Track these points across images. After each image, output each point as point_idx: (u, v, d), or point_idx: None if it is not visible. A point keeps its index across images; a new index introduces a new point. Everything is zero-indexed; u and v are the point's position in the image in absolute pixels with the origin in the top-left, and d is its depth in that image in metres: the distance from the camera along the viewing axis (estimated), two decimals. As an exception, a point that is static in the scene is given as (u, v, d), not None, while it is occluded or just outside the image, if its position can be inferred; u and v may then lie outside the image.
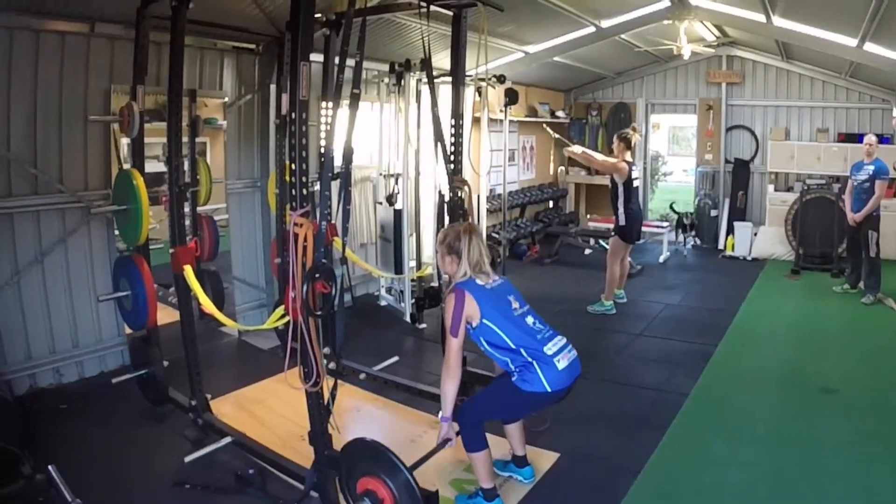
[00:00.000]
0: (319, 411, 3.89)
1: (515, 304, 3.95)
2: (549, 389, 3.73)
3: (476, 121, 9.25)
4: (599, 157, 8.45)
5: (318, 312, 3.69)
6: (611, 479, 4.39)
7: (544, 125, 10.68)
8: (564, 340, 3.96)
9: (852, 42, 8.19)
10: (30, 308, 5.70)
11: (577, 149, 8.49)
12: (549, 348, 3.81)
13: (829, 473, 4.40)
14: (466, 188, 5.19)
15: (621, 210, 8.03)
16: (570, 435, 4.99)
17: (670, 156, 23.12)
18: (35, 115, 5.52)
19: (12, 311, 5.59)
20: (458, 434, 4.00)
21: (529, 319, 3.93)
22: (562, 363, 3.79)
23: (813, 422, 5.19)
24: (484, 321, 3.81)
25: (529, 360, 3.75)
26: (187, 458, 4.48)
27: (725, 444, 4.86)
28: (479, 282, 3.90)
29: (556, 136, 10.05)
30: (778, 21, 8.42)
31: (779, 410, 5.45)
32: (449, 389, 3.87)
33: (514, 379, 3.79)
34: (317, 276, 3.60)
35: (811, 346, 7.03)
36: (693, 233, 11.91)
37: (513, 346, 3.78)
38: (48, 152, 5.63)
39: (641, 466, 4.50)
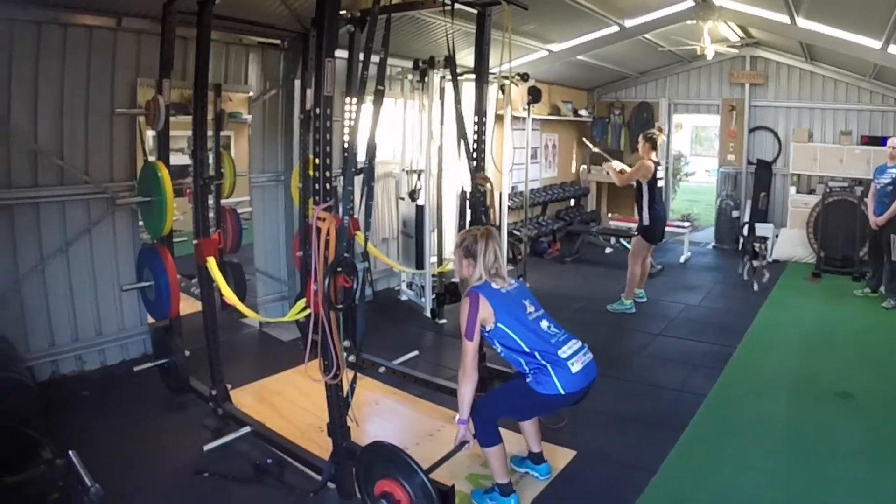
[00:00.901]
0: (338, 403, 3.93)
1: (530, 309, 3.96)
2: (562, 392, 3.75)
3: (499, 118, 9.26)
4: (630, 169, 8.40)
5: (340, 306, 3.72)
6: (626, 478, 4.40)
7: (584, 139, 10.73)
8: (580, 344, 3.97)
9: (877, 44, 8.12)
10: (54, 296, 5.79)
11: (616, 165, 8.46)
12: (564, 351, 3.82)
13: (842, 480, 4.38)
14: (488, 185, 5.20)
15: (646, 210, 8.01)
16: (587, 433, 5.00)
17: (693, 156, 23.00)
18: (62, 107, 5.61)
19: (36, 299, 5.68)
20: (474, 436, 4.02)
21: (544, 323, 3.94)
22: (576, 366, 3.80)
23: (829, 427, 5.16)
24: (498, 325, 3.83)
25: (543, 363, 3.77)
26: (206, 447, 4.54)
27: (741, 447, 4.84)
28: (494, 286, 3.92)
29: (596, 149, 10.05)
30: (802, 22, 8.36)
31: (795, 415, 5.43)
32: (465, 392, 3.89)
33: (528, 380, 3.81)
34: (339, 269, 3.63)
35: (830, 349, 6.99)
36: (765, 262, 9.86)
37: (527, 350, 3.80)
38: (74, 144, 5.72)
39: (657, 467, 4.51)
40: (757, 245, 9.75)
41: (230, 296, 4.70)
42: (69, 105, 5.64)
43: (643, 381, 6.09)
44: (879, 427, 5.15)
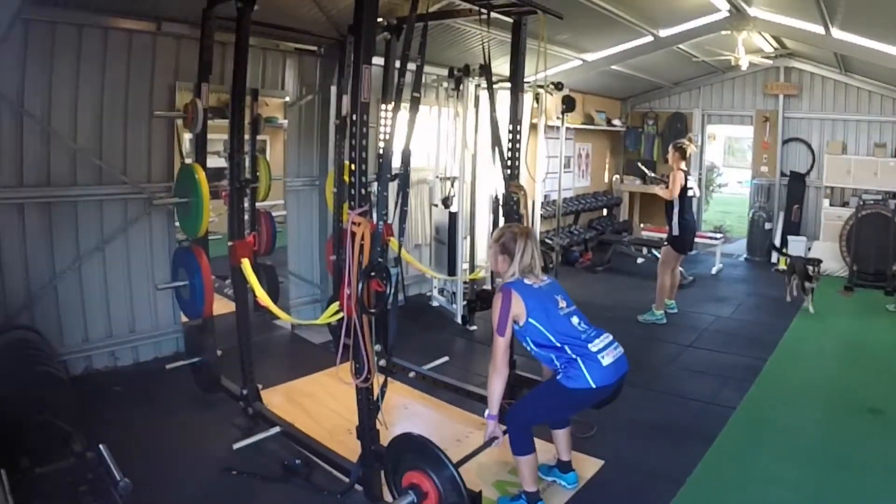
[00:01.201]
0: (368, 407, 3.96)
1: (562, 304, 3.97)
2: (593, 385, 3.74)
3: (533, 127, 9.28)
4: (669, 186, 8.36)
5: (372, 310, 3.76)
6: (653, 489, 4.38)
7: (638, 163, 10.73)
8: (610, 338, 3.97)
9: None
10: (89, 293, 5.90)
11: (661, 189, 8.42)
12: (595, 345, 3.82)
13: (872, 496, 4.33)
14: (522, 193, 5.22)
15: (675, 220, 7.99)
16: (615, 443, 4.99)
17: (725, 167, 22.87)
18: (102, 108, 5.72)
19: (72, 295, 5.79)
20: (505, 433, 4.03)
21: (575, 319, 3.95)
22: (606, 359, 3.80)
23: (859, 443, 5.10)
24: (530, 320, 3.84)
25: (573, 356, 3.77)
26: (236, 446, 4.59)
27: (770, 460, 4.80)
28: (527, 282, 3.94)
29: (652, 174, 10.06)
30: (837, 33, 8.29)
31: (825, 429, 5.38)
32: (496, 388, 3.91)
33: (558, 377, 3.82)
34: (372, 274, 3.67)
35: (861, 364, 6.91)
36: (814, 285, 8.95)
37: (557, 344, 3.81)
38: (113, 145, 5.83)
39: (685, 478, 4.48)
40: (811, 268, 8.92)
41: (263, 297, 4.76)
42: (109, 107, 5.75)
43: (673, 392, 6.07)
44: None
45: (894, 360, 7.00)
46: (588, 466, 4.62)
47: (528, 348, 3.96)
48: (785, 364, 6.86)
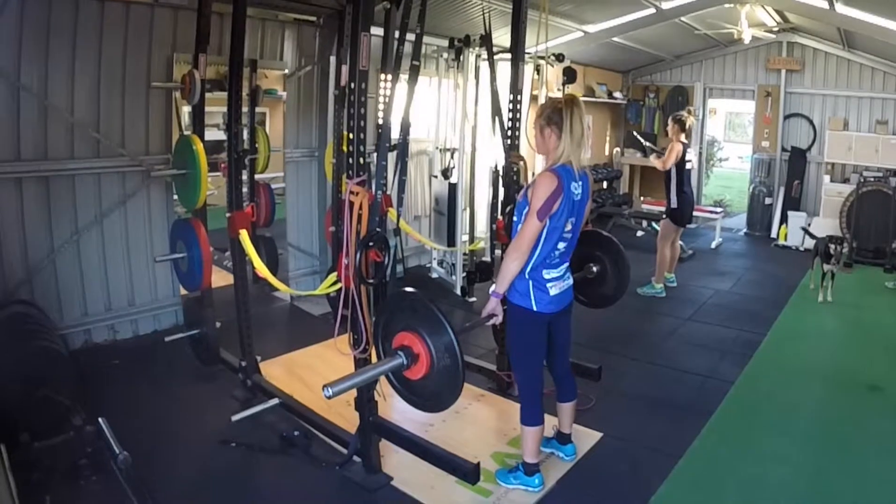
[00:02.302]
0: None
1: (568, 227, 3.73)
2: (534, 308, 3.73)
3: (534, 98, 9.23)
4: (665, 155, 8.34)
5: (371, 280, 3.74)
6: (651, 462, 4.39)
7: (635, 132, 10.68)
8: (564, 269, 3.87)
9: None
10: (88, 267, 5.88)
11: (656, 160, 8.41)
12: (549, 273, 3.75)
13: (870, 474, 4.32)
14: (522, 163, 5.19)
15: (674, 193, 7.98)
16: (613, 415, 5.00)
17: (726, 142, 22.78)
18: (99, 81, 5.66)
19: (71, 269, 5.77)
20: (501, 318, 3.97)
21: (562, 245, 3.76)
22: (553, 290, 3.76)
23: (858, 420, 5.10)
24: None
25: (527, 277, 3.72)
26: (234, 417, 4.60)
27: (768, 437, 4.81)
28: (573, 188, 3.64)
29: (648, 144, 10.00)
30: (841, 8, 8.24)
31: (823, 406, 5.37)
32: (511, 269, 3.65)
33: (508, 296, 3.80)
34: (370, 244, 3.64)
35: (860, 341, 6.92)
36: (838, 265, 8.26)
37: (533, 253, 3.68)
38: (111, 118, 5.78)
39: (682, 452, 4.49)
40: (833, 246, 8.07)
41: (262, 268, 4.75)
42: (106, 79, 5.69)
43: (671, 366, 6.06)
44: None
45: (893, 337, 6.99)
46: (586, 439, 4.62)
47: (514, 226, 3.79)
48: (783, 340, 6.86)
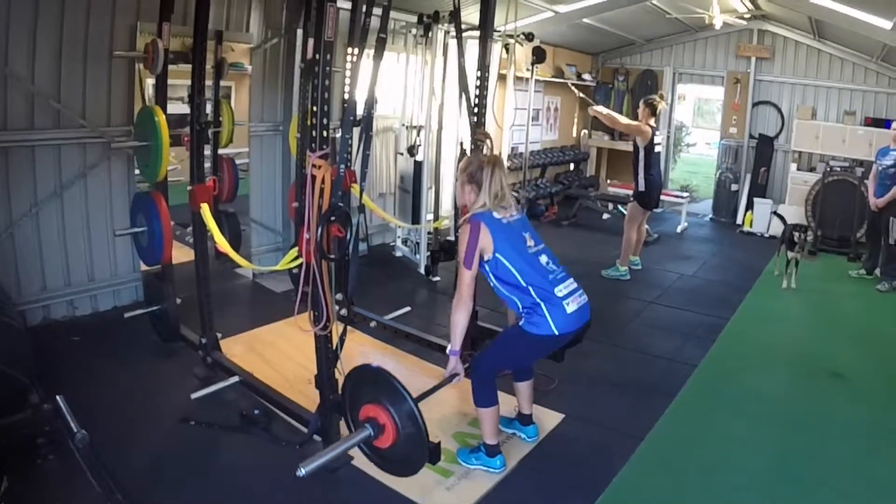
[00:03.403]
0: (327, 356, 3.91)
1: (530, 242, 3.87)
2: (556, 332, 3.70)
3: (502, 78, 9.17)
4: (623, 119, 8.35)
5: (332, 256, 3.68)
6: (614, 443, 4.41)
7: (570, 84, 10.61)
8: (576, 284, 3.91)
9: (887, 24, 7.97)
10: (47, 240, 5.75)
11: (601, 109, 8.41)
12: (560, 290, 3.76)
13: (831, 458, 4.36)
14: (488, 142, 5.15)
15: (641, 176, 7.99)
16: (576, 397, 5.00)
17: (694, 128, 22.89)
18: (60, 50, 5.50)
19: (29, 243, 5.64)
20: (467, 373, 4.01)
21: (543, 258, 3.86)
22: (571, 307, 3.75)
23: (819, 405, 5.15)
24: (497, 255, 3.75)
25: (538, 300, 3.71)
26: (194, 395, 4.58)
27: (730, 419, 4.85)
28: (496, 215, 3.81)
29: (581, 95, 9.92)
30: (811, -3, 8.22)
31: (786, 390, 5.42)
32: (459, 321, 3.83)
33: (521, 323, 3.77)
34: (332, 219, 3.59)
35: (823, 328, 6.98)
36: (802, 252, 8.31)
37: (523, 284, 3.73)
38: (72, 88, 5.63)
39: (645, 434, 4.51)
40: (797, 234, 8.15)
41: (223, 243, 4.66)
42: (68, 48, 5.53)
43: (635, 348, 6.09)
44: (870, 408, 5.13)
45: (855, 326, 7.07)
46: (549, 419, 4.62)
47: (493, 285, 3.88)
48: (747, 324, 6.91)
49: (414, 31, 7.98)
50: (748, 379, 5.56)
